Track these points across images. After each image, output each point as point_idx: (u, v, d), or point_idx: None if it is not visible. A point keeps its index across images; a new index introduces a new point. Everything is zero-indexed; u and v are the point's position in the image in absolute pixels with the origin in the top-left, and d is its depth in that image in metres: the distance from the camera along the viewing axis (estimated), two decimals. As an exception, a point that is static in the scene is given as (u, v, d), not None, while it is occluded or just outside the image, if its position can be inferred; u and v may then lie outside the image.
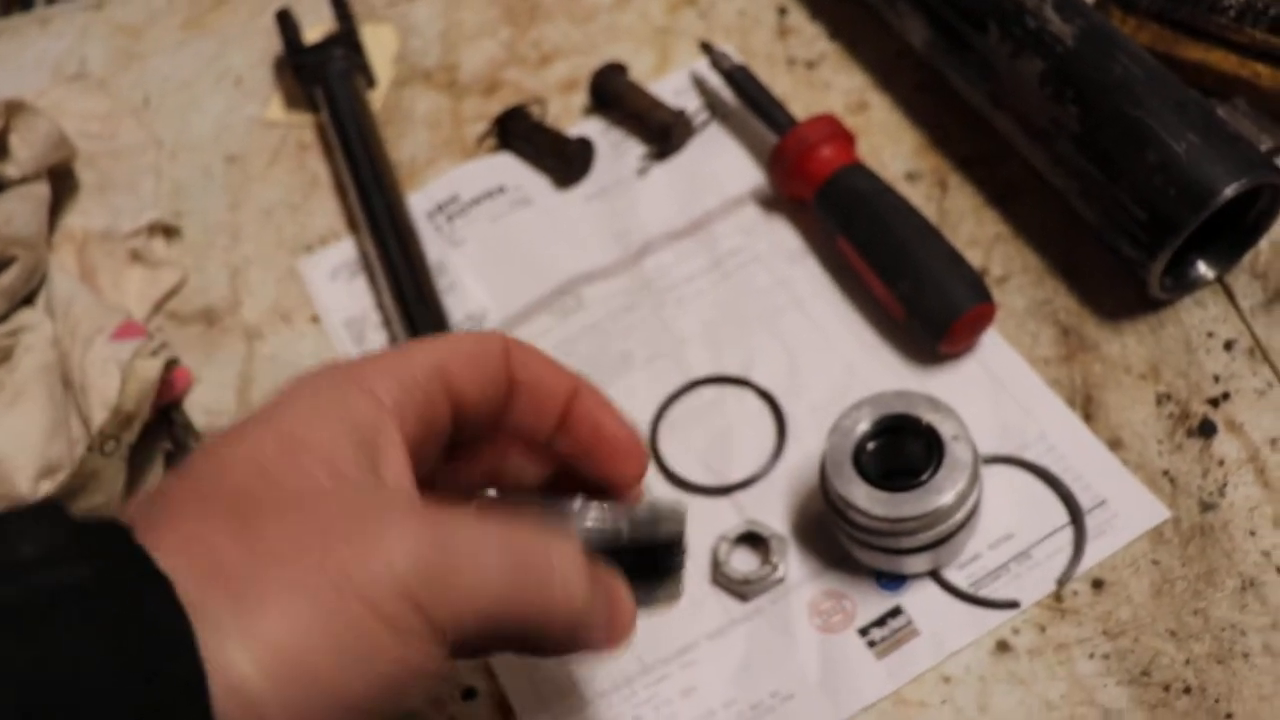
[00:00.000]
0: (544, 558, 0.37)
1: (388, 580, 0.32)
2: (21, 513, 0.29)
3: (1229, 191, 0.56)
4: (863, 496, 0.53)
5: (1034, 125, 0.63)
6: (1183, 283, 0.62)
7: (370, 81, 0.81)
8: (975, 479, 0.54)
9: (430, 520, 0.35)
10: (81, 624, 0.26)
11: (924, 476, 0.53)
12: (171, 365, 0.67)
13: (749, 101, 0.70)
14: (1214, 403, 0.59)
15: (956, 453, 0.53)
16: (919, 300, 0.61)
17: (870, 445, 0.56)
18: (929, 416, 0.55)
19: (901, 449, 0.56)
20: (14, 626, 0.25)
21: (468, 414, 0.42)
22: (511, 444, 0.46)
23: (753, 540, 0.59)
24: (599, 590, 0.39)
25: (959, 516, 0.53)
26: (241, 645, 0.29)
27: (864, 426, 0.55)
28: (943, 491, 0.53)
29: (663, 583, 0.45)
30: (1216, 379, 0.60)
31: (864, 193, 0.64)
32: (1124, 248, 0.60)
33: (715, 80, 0.74)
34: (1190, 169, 0.57)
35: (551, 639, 0.38)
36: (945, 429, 0.54)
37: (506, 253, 0.71)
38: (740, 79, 0.71)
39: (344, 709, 0.31)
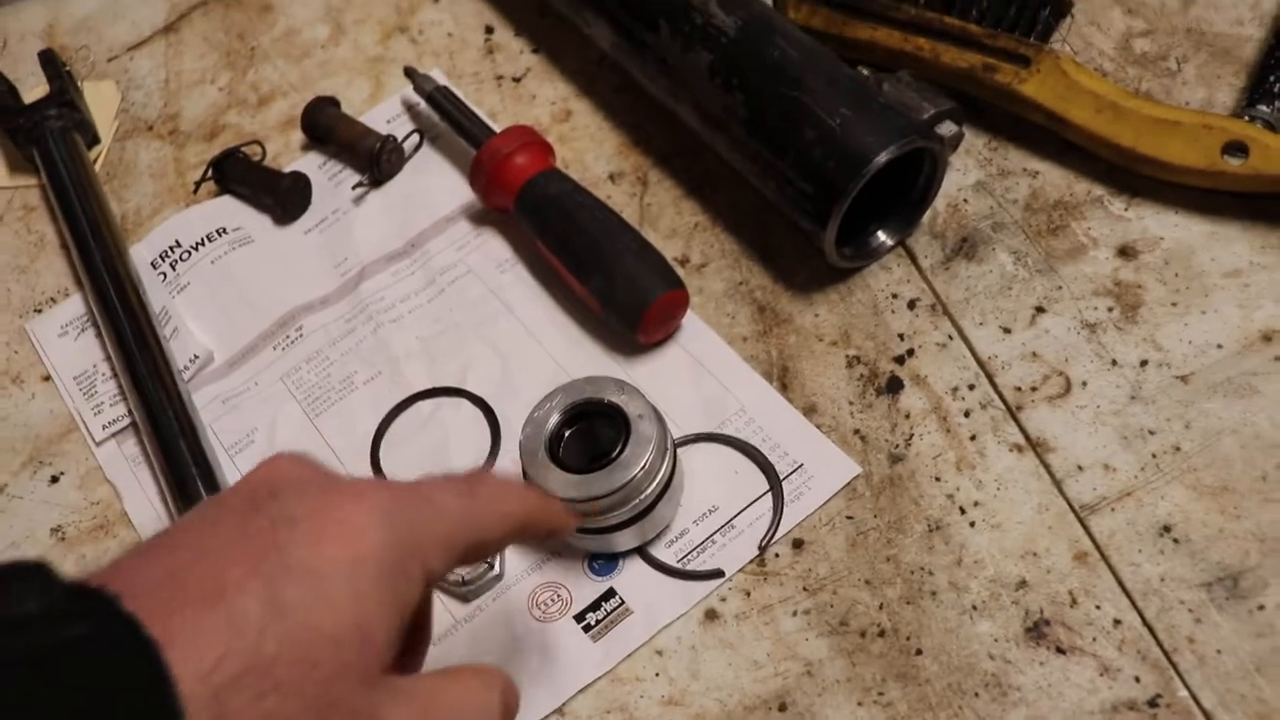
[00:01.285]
0: None
1: None
2: (17, 571, 0.33)
3: (882, 158, 0.59)
4: (556, 481, 0.55)
5: (710, 115, 0.66)
6: (865, 252, 0.65)
7: (93, 138, 0.81)
8: (663, 452, 0.56)
9: None
10: (84, 676, 0.31)
11: (614, 455, 0.55)
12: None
13: (449, 120, 0.72)
14: (900, 360, 0.62)
15: (642, 429, 0.55)
16: (611, 294, 0.63)
17: (566, 433, 0.57)
18: (615, 398, 0.56)
19: (596, 433, 0.57)
20: (36, 675, 0.30)
21: None
22: None
23: (468, 542, 0.59)
24: None
25: (651, 489, 0.55)
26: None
27: (556, 416, 0.57)
28: (630, 467, 0.54)
29: None
30: (902, 337, 0.63)
31: (555, 196, 0.65)
32: (801, 221, 0.63)
33: (424, 104, 0.75)
34: (845, 140, 0.60)
35: None
36: (631, 408, 0.56)
37: (228, 293, 0.71)
38: (439, 99, 0.72)
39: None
